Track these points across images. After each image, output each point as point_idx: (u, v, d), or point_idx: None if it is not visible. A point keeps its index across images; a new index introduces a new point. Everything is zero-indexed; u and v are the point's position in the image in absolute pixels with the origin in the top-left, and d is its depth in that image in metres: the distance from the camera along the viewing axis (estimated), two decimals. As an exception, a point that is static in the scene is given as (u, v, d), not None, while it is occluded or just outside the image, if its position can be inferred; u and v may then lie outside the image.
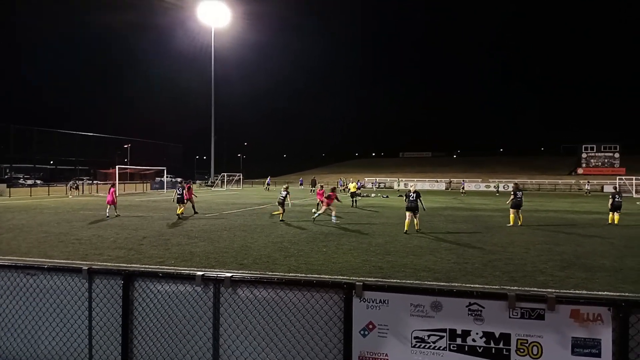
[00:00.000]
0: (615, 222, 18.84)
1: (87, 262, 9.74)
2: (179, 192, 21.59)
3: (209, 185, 67.27)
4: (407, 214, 16.07)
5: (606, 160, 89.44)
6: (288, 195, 20.35)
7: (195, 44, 75.27)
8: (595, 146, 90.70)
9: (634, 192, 52.76)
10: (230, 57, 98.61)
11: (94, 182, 53.75)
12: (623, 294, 7.79)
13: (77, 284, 3.96)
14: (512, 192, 18.94)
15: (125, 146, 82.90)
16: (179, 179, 59.56)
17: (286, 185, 22.09)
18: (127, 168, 60.61)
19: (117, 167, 47.50)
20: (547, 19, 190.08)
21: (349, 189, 32.74)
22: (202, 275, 3.65)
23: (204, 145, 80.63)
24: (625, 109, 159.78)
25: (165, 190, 51.63)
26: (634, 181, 54.65)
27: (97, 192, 46.99)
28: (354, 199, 29.33)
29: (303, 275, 9.08)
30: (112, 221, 18.79)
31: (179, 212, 20.72)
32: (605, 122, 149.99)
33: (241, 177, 71.07)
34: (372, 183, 70.29)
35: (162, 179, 54.95)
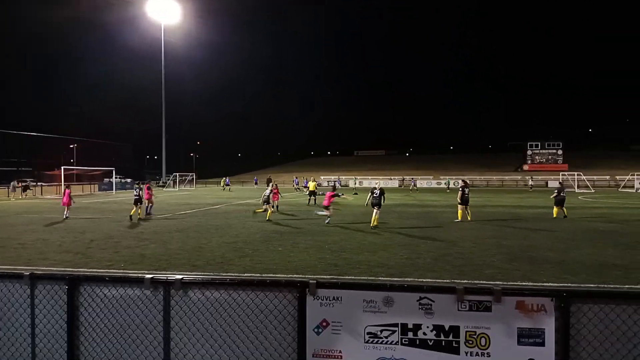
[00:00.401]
0: (564, 214, 19.77)
1: (30, 267, 9.29)
2: (135, 192, 20.98)
3: (160, 186, 65.59)
4: (373, 209, 16.82)
5: (550, 157, 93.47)
6: (272, 195, 20.55)
7: (145, 41, 73.35)
8: (539, 143, 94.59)
9: (576, 187, 55.47)
10: (182, 54, 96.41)
11: (38, 184, 51.25)
12: (566, 284, 8.18)
13: (18, 291, 3.75)
14: (460, 189, 19.50)
15: (71, 146, 79.68)
16: (128, 180, 57.91)
17: (274, 184, 22.54)
18: (73, 169, 58.34)
19: (62, 168, 45.55)
20: (502, 19, 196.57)
21: (308, 188, 32.76)
22: (151, 278, 3.55)
23: (155, 145, 78.58)
24: (568, 107, 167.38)
25: (114, 191, 50.00)
26: (575, 176, 57.49)
27: (41, 194, 44.89)
28: (313, 197, 29.26)
29: (258, 275, 9.02)
30: (59, 224, 18.01)
31: (132, 213, 20.09)
32: (549, 120, 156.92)
33: (194, 177, 69.81)
34: (335, 182, 66.95)
35: (111, 179, 53.15)
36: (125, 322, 3.61)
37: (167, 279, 3.55)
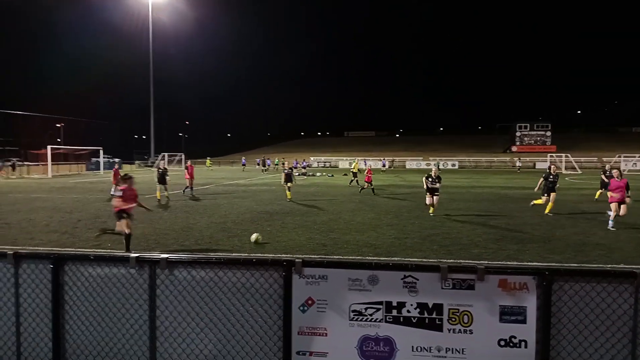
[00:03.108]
0: (546, 210, 15.02)
1: (15, 247, 9.22)
2: (160, 168, 20.42)
3: (149, 166, 65.11)
4: (428, 196, 15.12)
5: (538, 139, 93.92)
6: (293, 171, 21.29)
7: (132, 17, 71.64)
8: (528, 125, 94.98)
9: (563, 169, 56.05)
10: (170, 33, 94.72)
11: (25, 163, 50.56)
12: (550, 263, 8.31)
13: (2, 270, 3.73)
14: (542, 176, 15.72)
15: (58, 125, 78.55)
16: (116, 159, 57.29)
17: (285, 161, 22.28)
18: (60, 148, 57.39)
19: (49, 147, 44.94)
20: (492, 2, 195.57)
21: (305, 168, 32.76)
22: (137, 257, 3.54)
23: (143, 124, 77.93)
24: (557, 90, 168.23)
25: (102, 170, 49.56)
26: (563, 158, 58.08)
27: (28, 173, 44.37)
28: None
29: (245, 254, 9.04)
30: (45, 204, 17.85)
31: (158, 195, 19.39)
32: (537, 102, 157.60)
33: (183, 157, 69.31)
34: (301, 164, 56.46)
35: (98, 159, 52.59)
36: (110, 301, 3.60)
37: (152, 258, 3.54)
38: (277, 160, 60.69)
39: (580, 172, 53.83)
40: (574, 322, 3.13)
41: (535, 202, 15.60)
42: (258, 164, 63.36)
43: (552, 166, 15.62)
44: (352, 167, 30.53)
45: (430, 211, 14.93)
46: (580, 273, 3.29)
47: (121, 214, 9.14)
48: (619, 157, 58.47)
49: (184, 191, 22.14)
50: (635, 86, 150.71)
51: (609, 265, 8.15)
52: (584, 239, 10.60)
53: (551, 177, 15.12)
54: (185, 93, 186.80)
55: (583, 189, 27.18)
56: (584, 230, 11.92)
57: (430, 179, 15.06)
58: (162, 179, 19.53)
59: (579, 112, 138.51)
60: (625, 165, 55.68)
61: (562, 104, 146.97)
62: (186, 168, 23.00)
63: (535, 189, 16.25)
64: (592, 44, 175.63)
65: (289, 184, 19.81)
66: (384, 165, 59.75)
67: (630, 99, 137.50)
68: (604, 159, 70.49)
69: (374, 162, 59.34)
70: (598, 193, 19.40)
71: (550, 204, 14.87)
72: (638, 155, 57.38)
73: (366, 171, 23.45)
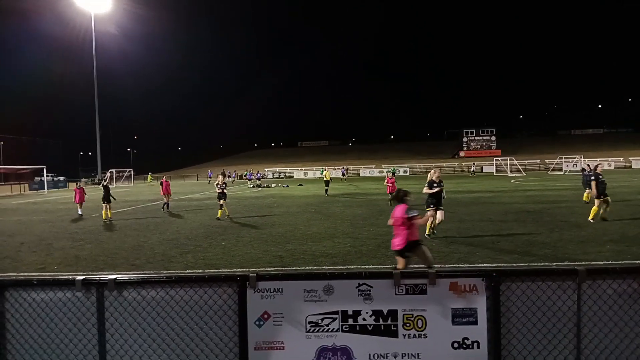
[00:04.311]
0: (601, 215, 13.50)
1: (-48, 276, 8.65)
2: (220, 185, 17.75)
3: (95, 183, 62.84)
4: (430, 211, 11.55)
5: (484, 143, 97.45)
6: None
7: (73, 31, 69.22)
8: (474, 131, 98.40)
9: (509, 172, 58.31)
10: (115, 47, 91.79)
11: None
12: (499, 264, 8.59)
13: None
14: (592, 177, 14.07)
15: (-4, 144, 74.55)
16: (61, 178, 54.98)
17: (220, 174, 18.95)
18: (-1, 168, 54.60)
19: (-14, 167, 42.62)
20: (435, 10, 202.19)
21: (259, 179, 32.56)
22: (83, 279, 3.40)
23: (89, 141, 74.96)
24: (500, 96, 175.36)
25: (46, 190, 47.39)
26: (508, 161, 60.50)
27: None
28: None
29: (199, 271, 8.85)
30: (-17, 228, 16.86)
31: (219, 215, 17.30)
32: (483, 108, 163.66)
33: (132, 173, 67.38)
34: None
35: (42, 178, 50.31)
36: (57, 326, 3.44)
37: (99, 279, 3.41)
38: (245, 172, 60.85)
39: (524, 174, 56.15)
40: (522, 321, 3.24)
41: (593, 213, 13.41)
42: (210, 177, 62.59)
43: (598, 166, 14.16)
44: (323, 175, 30.84)
45: (427, 232, 11.49)
46: (526, 273, 3.43)
47: None
48: (560, 158, 61.47)
49: (162, 208, 21.27)
50: (571, 91, 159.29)
51: (554, 264, 8.52)
52: (530, 239, 11.01)
53: (600, 177, 13.59)
54: (133, 107, 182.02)
55: (528, 190, 28.33)
56: (530, 230, 12.40)
57: (434, 185, 11.59)
58: (107, 196, 18.51)
59: (521, 117, 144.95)
60: (566, 166, 58.57)
61: (505, 110, 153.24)
62: (161, 184, 22.15)
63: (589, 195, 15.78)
64: (531, 53, 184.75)
65: (221, 202, 17.45)
66: (343, 175, 60.52)
67: (567, 104, 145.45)
68: (546, 160, 74.01)
69: (335, 172, 60.19)
70: (586, 195, 17.81)
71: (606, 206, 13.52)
72: (577, 156, 60.52)
73: (385, 181, 22.65)
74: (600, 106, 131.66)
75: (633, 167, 67.54)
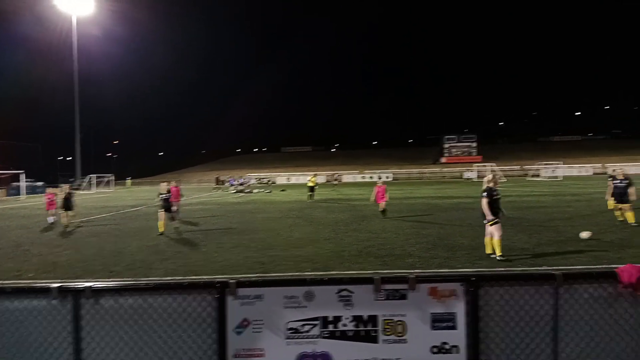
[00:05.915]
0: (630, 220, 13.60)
1: None
2: (163, 194, 16.10)
3: (75, 189, 61.82)
4: (489, 226, 9.94)
5: (465, 150, 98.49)
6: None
7: (54, 34, 68.17)
8: (455, 137, 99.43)
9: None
10: (96, 49, 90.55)
11: None
12: (478, 269, 8.68)
13: None
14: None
15: (-30, 149, 72.80)
16: (40, 183, 53.95)
17: (166, 182, 17.51)
18: (-26, 173, 53.27)
19: (-39, 172, 41.60)
20: (419, 16, 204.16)
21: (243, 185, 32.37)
22: (59, 287, 3.33)
23: (68, 145, 73.83)
24: (481, 103, 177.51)
25: (24, 195, 46.47)
26: (489, 167, 61.26)
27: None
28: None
29: (178, 277, 8.75)
30: (-44, 235, 16.43)
31: (160, 228, 15.26)
32: (464, 115, 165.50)
33: (112, 178, 66.49)
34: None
35: (19, 183, 49.27)
36: (31, 336, 3.36)
37: (75, 287, 3.34)
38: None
39: (505, 180, 56.91)
40: (500, 325, 3.27)
41: (632, 216, 13.51)
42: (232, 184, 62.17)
43: (619, 170, 14.59)
44: (309, 180, 30.75)
45: (491, 250, 10.01)
46: (505, 277, 3.45)
47: None
48: (540, 164, 62.51)
49: (172, 218, 19.86)
50: (550, 98, 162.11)
51: (533, 268, 8.64)
52: (509, 244, 11.15)
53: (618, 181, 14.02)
54: (115, 112, 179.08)
55: (508, 195, 28.70)
56: (509, 235, 12.54)
57: (494, 193, 9.96)
58: (66, 204, 17.53)
59: (501, 123, 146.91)
60: (545, 172, 59.56)
61: (486, 117, 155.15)
62: (168, 191, 20.65)
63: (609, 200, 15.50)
64: (512, 61, 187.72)
65: (162, 211, 15.69)
66: (336, 179, 60.58)
67: (547, 111, 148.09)
68: (526, 167, 75.13)
69: (321, 177, 60.13)
70: (610, 203, 15.88)
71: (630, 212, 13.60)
72: (557, 162, 61.61)
73: (376, 192, 19.08)
74: (578, 113, 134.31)
75: (608, 173, 68.85)
